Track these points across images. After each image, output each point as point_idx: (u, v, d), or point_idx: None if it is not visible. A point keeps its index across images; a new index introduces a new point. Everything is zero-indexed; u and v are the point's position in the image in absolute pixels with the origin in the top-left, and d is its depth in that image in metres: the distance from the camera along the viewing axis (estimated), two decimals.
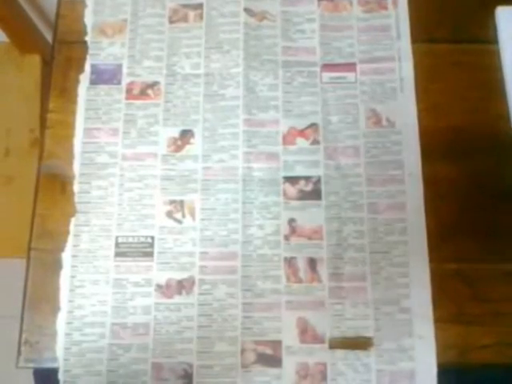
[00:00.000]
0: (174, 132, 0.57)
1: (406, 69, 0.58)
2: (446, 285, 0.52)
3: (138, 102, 0.58)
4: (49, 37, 0.91)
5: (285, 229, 0.54)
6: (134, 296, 0.53)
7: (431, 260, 0.53)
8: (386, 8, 0.60)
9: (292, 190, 0.55)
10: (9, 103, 0.86)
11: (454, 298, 0.52)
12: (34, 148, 0.83)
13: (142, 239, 0.54)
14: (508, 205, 0.55)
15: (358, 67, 0.59)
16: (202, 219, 0.55)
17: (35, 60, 0.88)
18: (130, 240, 0.54)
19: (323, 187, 0.55)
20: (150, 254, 0.54)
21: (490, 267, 0.53)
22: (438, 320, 0.51)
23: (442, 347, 0.51)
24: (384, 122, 0.57)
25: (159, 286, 0.53)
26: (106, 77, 0.59)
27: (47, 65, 0.87)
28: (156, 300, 0.52)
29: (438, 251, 0.53)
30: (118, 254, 0.54)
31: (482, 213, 0.54)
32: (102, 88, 0.59)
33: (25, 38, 0.87)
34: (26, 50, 0.88)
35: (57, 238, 0.54)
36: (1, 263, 0.90)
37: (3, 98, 0.87)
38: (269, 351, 0.51)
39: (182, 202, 0.55)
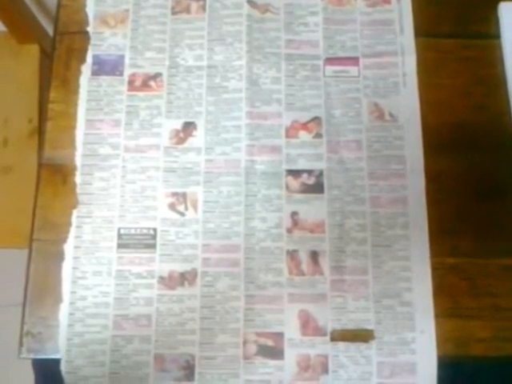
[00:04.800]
0: (177, 124, 0.57)
1: (409, 63, 0.58)
2: (445, 279, 0.53)
3: (140, 94, 0.58)
4: (47, 26, 0.90)
5: (287, 222, 0.54)
6: (136, 287, 0.53)
7: (430, 254, 0.53)
8: (389, 2, 0.60)
9: (294, 183, 0.55)
10: (7, 93, 0.86)
11: (452, 292, 0.53)
12: (33, 138, 0.83)
13: (145, 231, 0.54)
14: (508, 200, 0.55)
15: (361, 61, 0.59)
16: (205, 212, 0.55)
17: (33, 50, 0.87)
18: (133, 232, 0.54)
19: (326, 181, 0.55)
20: (152, 246, 0.54)
21: (489, 262, 0.54)
22: (436, 314, 0.52)
23: (439, 340, 0.51)
24: (387, 117, 0.57)
25: (162, 278, 0.53)
26: (107, 68, 0.59)
27: (45, 54, 0.86)
28: (158, 292, 0.53)
29: (437, 246, 0.53)
30: (120, 246, 0.54)
31: (482, 208, 0.55)
32: (104, 79, 0.58)
33: (23, 27, 0.86)
34: (24, 40, 0.87)
35: (59, 230, 0.54)
36: None
37: (1, 87, 0.86)
38: (271, 343, 0.52)
39: (184, 195, 0.55)
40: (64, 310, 0.52)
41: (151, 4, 0.61)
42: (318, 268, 0.53)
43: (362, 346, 0.51)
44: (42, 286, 0.53)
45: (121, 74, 0.59)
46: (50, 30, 0.88)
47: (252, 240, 0.54)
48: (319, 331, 0.52)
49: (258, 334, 0.52)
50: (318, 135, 0.57)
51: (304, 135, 0.57)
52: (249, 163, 0.56)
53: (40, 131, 0.81)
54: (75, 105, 0.58)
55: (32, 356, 0.52)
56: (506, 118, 0.57)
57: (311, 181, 0.55)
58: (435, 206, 0.54)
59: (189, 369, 0.51)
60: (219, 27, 0.60)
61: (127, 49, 0.59)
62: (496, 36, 0.59)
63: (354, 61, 0.59)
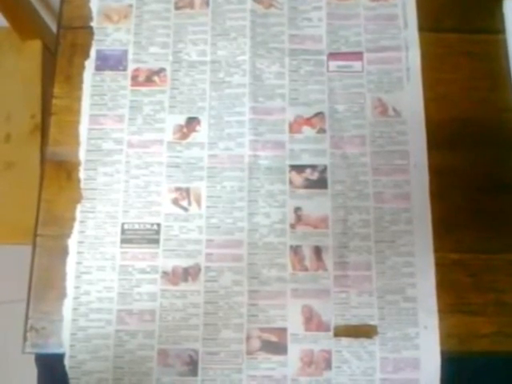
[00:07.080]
0: (180, 119, 0.57)
1: (413, 58, 0.58)
2: (448, 274, 0.53)
3: (143, 89, 0.58)
4: (49, 22, 0.90)
5: (291, 217, 0.54)
6: (140, 283, 0.53)
7: (434, 249, 0.53)
8: None
9: (298, 179, 0.55)
10: (9, 89, 0.86)
11: (456, 287, 0.53)
12: (35, 134, 0.83)
13: (148, 226, 0.54)
14: None
15: (365, 56, 0.58)
16: (208, 207, 0.55)
17: (36, 45, 0.87)
18: (136, 227, 0.54)
19: (329, 176, 0.55)
20: (155, 241, 0.54)
21: (492, 257, 0.53)
22: (440, 309, 0.52)
23: (443, 336, 0.51)
24: (390, 112, 0.57)
25: (165, 273, 0.53)
26: (111, 63, 0.59)
27: (48, 50, 0.86)
28: (162, 287, 0.53)
29: (441, 241, 0.53)
30: (124, 241, 0.54)
31: (485, 203, 0.55)
32: (108, 74, 0.58)
33: (25, 23, 0.86)
34: (27, 36, 0.87)
35: (63, 225, 0.54)
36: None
37: (4, 83, 0.86)
38: (274, 338, 0.52)
39: (187, 190, 0.55)
40: (68, 304, 0.52)
41: None
42: (321, 263, 0.53)
43: (366, 341, 0.51)
44: (45, 281, 0.53)
45: (124, 69, 0.59)
46: (52, 26, 0.88)
47: (255, 235, 0.54)
48: (322, 327, 0.52)
49: (262, 330, 0.52)
50: (322, 130, 0.56)
51: (307, 130, 0.57)
52: (252, 158, 0.56)
53: (43, 127, 0.81)
54: (79, 100, 0.58)
55: (36, 351, 0.52)
56: (510, 113, 0.56)
57: (315, 176, 0.55)
58: (439, 202, 0.54)
59: (192, 364, 0.51)
60: (223, 22, 0.60)
61: (131, 44, 0.59)
62: (500, 31, 0.59)
63: (357, 56, 0.59)
